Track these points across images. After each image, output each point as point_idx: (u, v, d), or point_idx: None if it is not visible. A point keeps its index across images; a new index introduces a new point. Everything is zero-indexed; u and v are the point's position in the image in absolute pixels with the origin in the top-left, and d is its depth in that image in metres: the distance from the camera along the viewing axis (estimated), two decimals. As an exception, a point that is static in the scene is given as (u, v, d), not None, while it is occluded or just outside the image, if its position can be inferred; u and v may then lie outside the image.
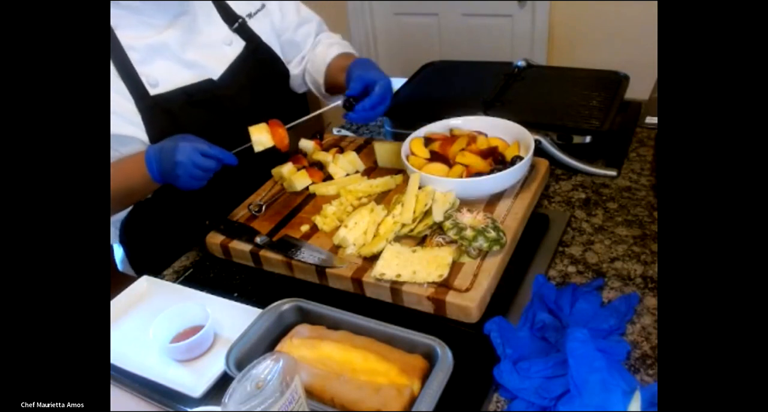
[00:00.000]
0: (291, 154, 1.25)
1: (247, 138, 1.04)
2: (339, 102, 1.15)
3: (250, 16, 1.19)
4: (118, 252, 1.30)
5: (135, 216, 1.20)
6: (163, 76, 1.04)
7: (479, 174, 1.02)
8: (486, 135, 1.14)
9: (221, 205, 1.13)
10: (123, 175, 1.00)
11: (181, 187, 0.99)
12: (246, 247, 1.00)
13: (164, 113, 1.04)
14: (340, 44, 1.32)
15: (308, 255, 0.94)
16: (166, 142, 0.98)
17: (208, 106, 1.10)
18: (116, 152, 1.04)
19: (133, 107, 1.01)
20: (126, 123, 1.01)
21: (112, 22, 1.00)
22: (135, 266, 1.29)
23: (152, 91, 1.03)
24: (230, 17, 1.16)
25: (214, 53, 1.12)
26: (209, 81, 1.10)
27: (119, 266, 1.32)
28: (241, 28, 1.17)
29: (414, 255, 0.89)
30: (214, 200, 1.18)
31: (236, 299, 0.95)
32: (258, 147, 1.05)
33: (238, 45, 1.16)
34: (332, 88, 1.30)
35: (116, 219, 1.17)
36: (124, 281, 1.00)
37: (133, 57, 1.01)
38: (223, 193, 1.18)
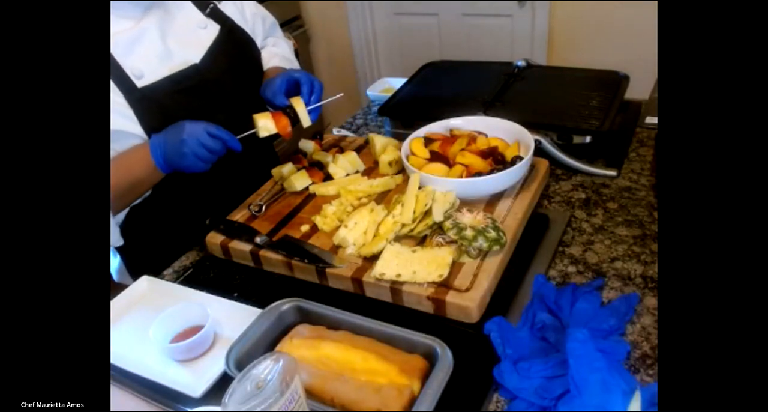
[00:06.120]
0: (291, 154, 1.25)
1: (248, 125, 1.05)
2: (341, 94, 1.17)
3: (219, 0, 1.21)
4: (114, 262, 1.29)
5: (131, 220, 1.20)
6: (147, 67, 1.05)
7: (479, 174, 1.02)
8: (486, 135, 1.14)
9: (221, 205, 1.13)
10: (125, 168, 1.01)
11: (186, 169, 1.00)
12: (246, 247, 1.00)
13: (154, 104, 1.04)
14: (281, 57, 1.35)
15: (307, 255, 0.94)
16: (171, 126, 1.00)
17: (195, 93, 1.10)
18: (112, 151, 1.04)
19: (124, 101, 1.01)
20: (120, 117, 1.01)
21: None
22: (132, 271, 1.28)
23: (139, 84, 1.03)
24: (201, 3, 1.17)
25: (191, 39, 1.13)
26: (194, 67, 1.10)
27: (115, 277, 1.30)
28: (214, 13, 1.18)
29: (414, 255, 0.89)
30: (214, 200, 1.18)
31: (236, 299, 0.95)
32: (263, 132, 1.07)
33: (213, 28, 1.17)
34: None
35: (118, 220, 1.17)
36: (120, 292, 1.00)
37: (115, 51, 1.01)
38: (223, 193, 1.18)
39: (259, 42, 1.31)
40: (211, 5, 1.18)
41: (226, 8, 1.21)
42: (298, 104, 1.09)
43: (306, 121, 1.09)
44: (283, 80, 1.13)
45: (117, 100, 1.01)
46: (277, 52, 1.35)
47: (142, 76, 1.04)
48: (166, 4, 1.10)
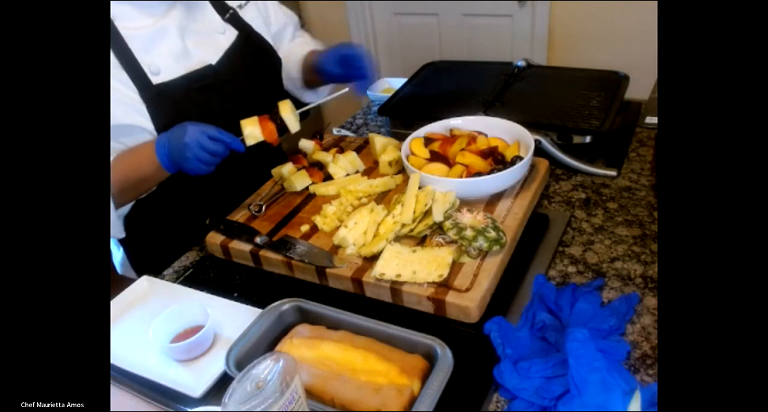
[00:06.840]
0: (291, 154, 1.25)
1: (240, 131, 1.05)
2: (347, 90, 1.17)
3: (240, 7, 1.22)
4: (117, 255, 1.30)
5: (136, 213, 1.20)
6: (165, 64, 1.05)
7: (479, 174, 1.02)
8: (486, 135, 1.14)
9: (221, 205, 1.13)
10: (134, 164, 1.02)
11: (190, 171, 1.00)
12: (246, 247, 1.00)
13: (168, 101, 1.05)
14: (313, 43, 1.38)
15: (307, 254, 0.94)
16: (175, 128, 1.00)
17: (210, 93, 1.11)
18: (121, 145, 1.04)
19: (137, 97, 1.02)
20: (132, 112, 1.02)
21: (111, 13, 1.00)
22: (135, 265, 1.29)
23: (155, 80, 1.04)
24: (222, 8, 1.19)
25: (209, 41, 1.14)
26: (210, 67, 1.11)
27: (118, 269, 1.31)
28: (233, 18, 1.19)
29: (414, 255, 0.89)
30: (214, 200, 1.18)
31: (236, 299, 0.95)
32: (250, 140, 1.04)
33: (231, 34, 1.18)
34: (309, 81, 1.35)
35: (121, 213, 1.18)
36: (123, 285, 1.00)
37: (134, 46, 1.02)
38: (223, 193, 1.18)
39: (286, 42, 1.34)
40: (231, 11, 1.19)
41: (247, 14, 1.22)
42: (285, 109, 1.05)
43: (294, 126, 1.06)
44: (336, 54, 1.19)
45: (131, 95, 1.02)
46: (309, 42, 1.39)
47: (158, 72, 1.04)
48: (188, 5, 1.11)
